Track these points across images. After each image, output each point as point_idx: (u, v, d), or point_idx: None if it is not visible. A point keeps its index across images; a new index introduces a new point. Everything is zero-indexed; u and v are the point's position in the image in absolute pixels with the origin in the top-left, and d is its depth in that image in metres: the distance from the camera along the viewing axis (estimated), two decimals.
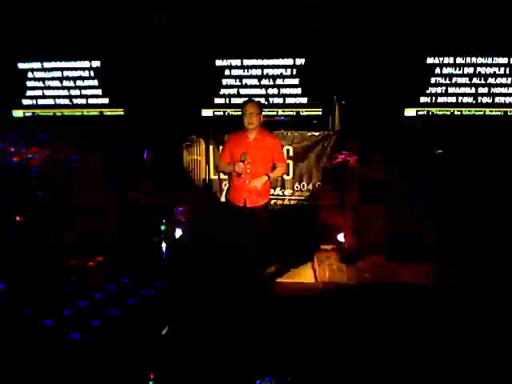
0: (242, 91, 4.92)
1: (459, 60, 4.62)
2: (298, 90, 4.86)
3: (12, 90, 5.19)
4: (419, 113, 4.72)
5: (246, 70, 4.89)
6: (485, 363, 2.31)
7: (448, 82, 4.67)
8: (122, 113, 5.08)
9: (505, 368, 2.27)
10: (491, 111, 4.67)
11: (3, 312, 2.88)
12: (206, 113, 4.96)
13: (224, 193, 4.53)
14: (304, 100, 4.86)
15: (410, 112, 4.73)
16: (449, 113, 4.72)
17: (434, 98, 4.71)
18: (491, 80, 4.63)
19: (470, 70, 4.63)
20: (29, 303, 3.03)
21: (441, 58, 4.62)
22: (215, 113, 4.95)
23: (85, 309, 2.96)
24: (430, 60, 4.63)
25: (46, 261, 3.77)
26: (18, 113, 5.27)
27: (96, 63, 5.04)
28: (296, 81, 4.84)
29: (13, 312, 2.87)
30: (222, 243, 3.40)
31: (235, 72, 4.90)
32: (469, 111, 4.69)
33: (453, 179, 4.21)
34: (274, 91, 4.89)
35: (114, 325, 2.76)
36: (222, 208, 4.21)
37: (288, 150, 4.50)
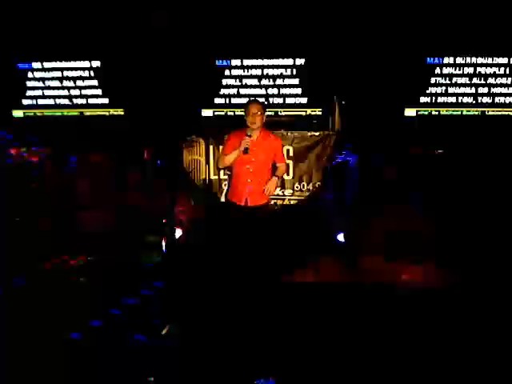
0: (242, 91, 4.92)
1: (459, 60, 4.62)
2: (298, 90, 4.86)
3: (12, 90, 5.19)
4: (419, 113, 4.73)
5: (245, 70, 4.89)
6: (484, 363, 2.31)
7: (448, 81, 4.67)
8: (122, 113, 5.08)
9: (505, 368, 2.27)
10: (491, 111, 4.67)
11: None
12: (206, 113, 4.96)
13: (224, 193, 4.53)
14: (304, 100, 4.86)
15: (410, 112, 4.73)
16: (449, 113, 4.72)
17: (434, 98, 4.71)
18: (491, 80, 4.63)
19: (470, 70, 4.64)
20: (30, 303, 3.03)
21: (441, 58, 4.62)
22: (215, 113, 4.96)
23: (85, 309, 2.96)
24: (429, 60, 4.64)
25: (45, 261, 3.77)
26: (18, 113, 5.27)
27: (96, 63, 5.05)
28: (296, 81, 4.85)
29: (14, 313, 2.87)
30: (222, 243, 3.39)
31: (235, 72, 4.90)
32: (468, 111, 4.70)
33: (453, 179, 4.21)
34: (274, 91, 4.89)
35: (114, 325, 2.76)
36: (222, 208, 4.20)
37: (288, 150, 4.50)
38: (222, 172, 4.59)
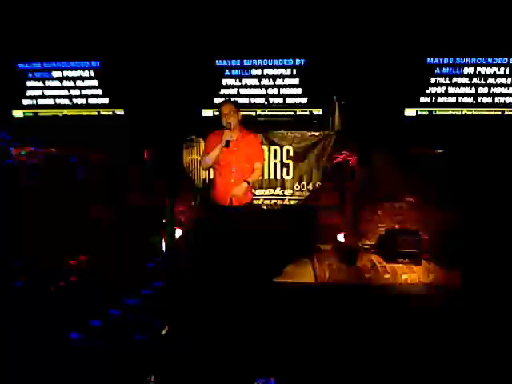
0: (242, 91, 4.92)
1: (459, 60, 4.62)
2: (298, 90, 4.86)
3: (12, 90, 5.19)
4: (419, 113, 4.73)
5: (245, 70, 4.89)
6: (484, 364, 2.31)
7: (448, 81, 4.67)
8: (122, 113, 5.08)
9: (504, 369, 2.27)
10: (491, 111, 4.68)
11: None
12: (206, 113, 4.96)
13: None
14: (304, 100, 4.86)
15: (410, 112, 4.73)
16: (449, 113, 4.72)
17: (433, 98, 4.71)
18: (491, 80, 4.63)
19: (470, 70, 4.64)
20: (30, 303, 3.03)
21: (441, 58, 4.63)
22: (215, 113, 4.95)
23: (85, 309, 2.96)
24: (429, 60, 4.64)
25: (45, 260, 3.77)
26: (18, 113, 5.27)
27: (96, 63, 5.05)
28: (296, 81, 4.85)
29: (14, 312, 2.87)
30: (220, 244, 3.39)
31: (235, 72, 4.90)
32: (469, 111, 4.70)
33: (453, 179, 4.21)
34: (274, 91, 4.89)
35: (114, 325, 2.76)
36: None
37: (288, 150, 4.50)
38: None
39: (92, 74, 5.08)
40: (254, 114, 4.89)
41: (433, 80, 4.68)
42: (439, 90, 4.70)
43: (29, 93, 5.22)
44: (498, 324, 2.71)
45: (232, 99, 3.18)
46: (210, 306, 2.92)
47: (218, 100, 4.93)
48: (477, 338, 2.56)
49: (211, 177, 4.66)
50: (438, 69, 4.66)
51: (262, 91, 4.90)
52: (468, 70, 4.64)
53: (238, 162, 2.98)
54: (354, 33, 4.46)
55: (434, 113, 4.73)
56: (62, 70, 5.13)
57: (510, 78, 4.61)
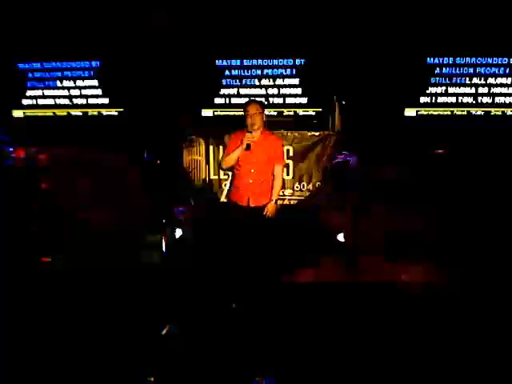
0: (242, 91, 4.92)
1: (459, 60, 4.62)
2: (298, 90, 4.86)
3: (12, 90, 5.19)
4: (419, 113, 4.73)
5: (245, 70, 4.90)
6: (483, 364, 2.31)
7: (448, 81, 4.67)
8: (122, 113, 5.08)
9: (504, 369, 2.27)
10: (491, 111, 4.68)
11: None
12: (206, 113, 4.96)
13: (224, 193, 4.52)
14: (304, 100, 4.86)
15: (410, 112, 4.74)
16: (449, 113, 4.72)
17: (434, 98, 4.71)
18: (491, 80, 4.63)
19: (470, 70, 4.64)
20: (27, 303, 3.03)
21: (441, 58, 4.63)
22: (215, 113, 4.96)
23: (85, 309, 2.96)
24: (429, 60, 4.64)
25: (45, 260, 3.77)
26: (18, 113, 5.27)
27: (96, 63, 5.05)
28: (296, 81, 4.85)
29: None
30: (222, 243, 3.39)
31: (235, 72, 4.90)
32: (469, 111, 4.70)
33: (453, 179, 4.21)
34: (274, 91, 4.89)
35: (114, 324, 2.76)
36: (223, 208, 4.21)
37: (288, 150, 4.49)
38: (221, 172, 4.59)
39: (92, 73, 5.09)
40: None
41: (433, 80, 4.68)
42: (439, 90, 4.70)
43: (29, 93, 5.22)
44: (496, 324, 2.71)
45: (258, 99, 3.19)
46: (210, 305, 2.92)
47: (218, 100, 4.94)
48: (476, 339, 2.56)
49: (211, 177, 4.67)
50: (437, 69, 4.66)
51: (262, 91, 4.91)
52: (468, 70, 4.64)
53: (257, 163, 2.98)
54: (354, 33, 4.46)
55: (434, 113, 4.73)
56: (61, 69, 5.13)
57: (510, 78, 4.61)
